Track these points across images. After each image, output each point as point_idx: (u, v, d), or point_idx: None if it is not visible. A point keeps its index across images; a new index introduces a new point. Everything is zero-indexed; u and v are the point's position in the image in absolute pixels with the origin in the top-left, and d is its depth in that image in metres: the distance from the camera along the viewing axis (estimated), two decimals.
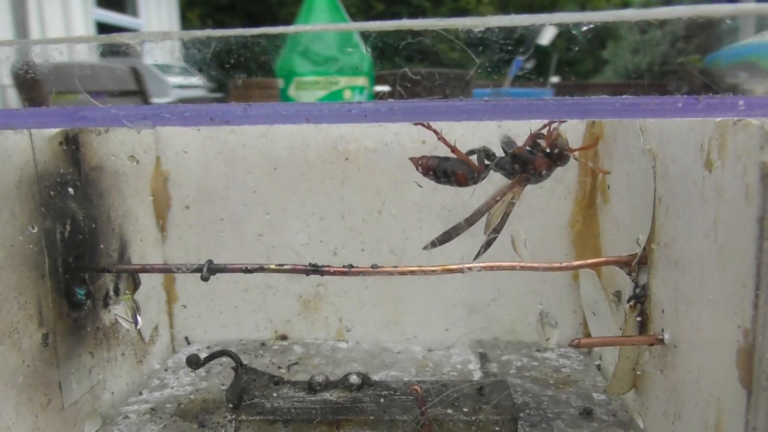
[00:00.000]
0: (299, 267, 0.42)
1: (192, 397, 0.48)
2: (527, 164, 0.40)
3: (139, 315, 0.42)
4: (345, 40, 1.84)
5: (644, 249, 0.41)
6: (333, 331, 0.59)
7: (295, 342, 0.58)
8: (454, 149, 0.41)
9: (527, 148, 0.40)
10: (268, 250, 0.57)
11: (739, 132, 0.28)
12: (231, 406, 0.44)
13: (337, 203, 0.56)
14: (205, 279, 0.42)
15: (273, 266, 0.42)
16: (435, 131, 0.39)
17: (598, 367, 0.52)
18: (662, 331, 0.39)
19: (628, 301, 0.41)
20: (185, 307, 0.58)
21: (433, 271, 0.43)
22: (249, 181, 0.56)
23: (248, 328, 0.59)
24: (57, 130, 0.40)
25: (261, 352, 0.56)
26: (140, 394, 0.48)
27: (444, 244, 0.40)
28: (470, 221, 0.40)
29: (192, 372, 0.51)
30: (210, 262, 0.42)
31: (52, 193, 0.39)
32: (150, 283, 0.54)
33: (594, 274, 0.52)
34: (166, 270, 0.47)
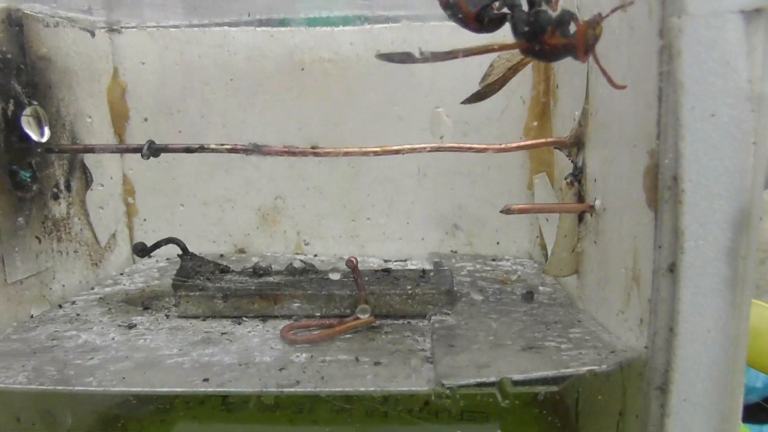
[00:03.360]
0: (239, 147, 0.43)
1: (142, 290, 0.48)
2: (537, 33, 0.31)
3: (46, 127, 0.42)
4: None
5: (579, 125, 0.41)
6: (291, 244, 0.59)
7: (254, 255, 0.58)
8: None
9: (551, 12, 0.30)
10: (227, 162, 0.58)
11: None
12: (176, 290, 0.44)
13: (295, 115, 0.57)
14: (145, 157, 0.42)
15: (213, 145, 0.43)
16: None
17: None
18: (594, 199, 0.39)
19: (565, 179, 0.42)
20: (145, 221, 0.59)
21: (375, 152, 0.44)
22: (206, 93, 0.56)
23: (208, 241, 0.59)
24: None
25: (220, 261, 0.56)
26: (92, 289, 0.49)
27: (399, 62, 0.35)
28: (436, 56, 0.33)
29: (141, 259, 0.51)
30: (151, 141, 0.43)
31: None
32: (107, 191, 0.54)
33: (545, 177, 0.53)
34: (109, 149, 0.47)
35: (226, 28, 0.55)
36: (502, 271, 0.52)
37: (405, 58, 0.33)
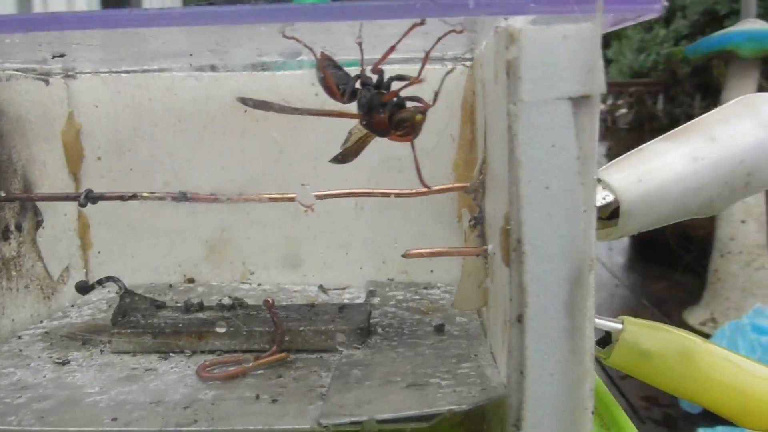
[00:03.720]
0: (170, 194, 0.46)
1: (86, 323, 0.52)
2: (370, 110, 0.36)
3: None
4: None
5: (480, 173, 0.44)
6: (237, 273, 0.62)
7: (201, 284, 0.62)
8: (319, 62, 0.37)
9: (389, 97, 0.35)
10: None
11: (499, 39, 0.32)
12: (114, 326, 0.47)
13: (238, 154, 0.60)
14: (82, 205, 0.46)
15: (146, 194, 0.46)
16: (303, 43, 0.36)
17: None
18: (489, 245, 0.42)
19: (469, 221, 0.45)
20: (99, 252, 0.62)
21: (276, 198, 0.47)
22: (156, 133, 0.60)
23: (158, 272, 0.62)
24: None
25: (167, 292, 0.60)
26: (41, 322, 0.52)
27: (254, 107, 0.39)
28: (291, 110, 0.39)
29: (84, 295, 0.55)
30: (89, 190, 0.46)
31: None
32: (60, 226, 0.58)
33: (467, 212, 0.56)
34: (50, 198, 0.51)
35: (174, 73, 0.59)
36: (429, 300, 0.56)
37: (260, 105, 0.38)
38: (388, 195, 0.45)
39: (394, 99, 0.36)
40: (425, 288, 0.60)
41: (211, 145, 0.60)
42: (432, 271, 0.62)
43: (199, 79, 0.59)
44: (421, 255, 0.41)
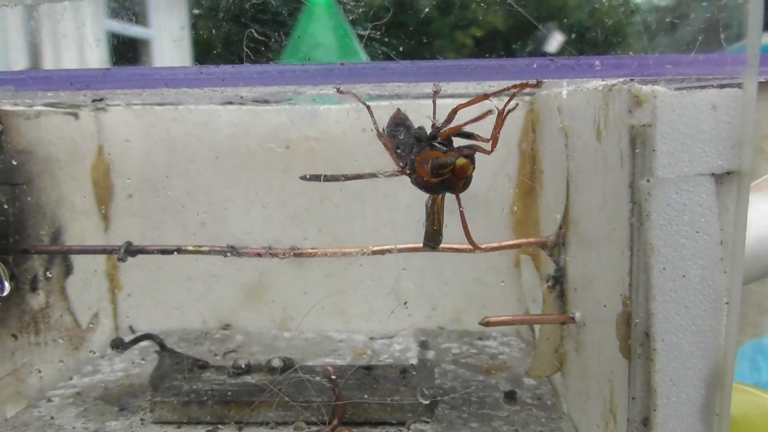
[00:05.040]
0: (216, 248, 0.42)
1: (120, 382, 0.47)
2: (413, 163, 0.31)
3: (6, 281, 0.42)
4: (345, 47, 1.85)
5: (560, 228, 0.40)
6: (277, 320, 0.58)
7: (238, 331, 0.58)
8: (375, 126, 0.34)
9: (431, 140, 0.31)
10: (211, 239, 0.57)
11: (614, 98, 0.28)
12: (154, 389, 0.43)
13: (279, 192, 0.56)
14: (121, 260, 0.42)
15: (191, 248, 0.42)
16: (360, 100, 0.35)
17: None
18: (575, 311, 0.38)
19: (547, 282, 0.41)
20: (129, 295, 0.58)
21: (352, 253, 0.43)
22: (191, 170, 0.56)
23: (192, 316, 0.58)
24: None
25: (202, 340, 0.56)
26: (70, 379, 0.48)
27: (311, 180, 0.36)
28: (348, 177, 0.36)
29: (119, 354, 0.51)
30: (128, 243, 0.42)
31: None
32: (90, 270, 0.54)
33: (530, 260, 0.52)
34: (84, 251, 0.47)
35: (211, 106, 0.55)
36: (488, 355, 0.52)
37: (331, 178, 0.34)
38: (472, 250, 0.41)
39: (437, 142, 0.31)
40: (480, 339, 0.55)
41: (251, 182, 0.56)
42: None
43: (238, 113, 0.55)
44: (502, 323, 0.37)
